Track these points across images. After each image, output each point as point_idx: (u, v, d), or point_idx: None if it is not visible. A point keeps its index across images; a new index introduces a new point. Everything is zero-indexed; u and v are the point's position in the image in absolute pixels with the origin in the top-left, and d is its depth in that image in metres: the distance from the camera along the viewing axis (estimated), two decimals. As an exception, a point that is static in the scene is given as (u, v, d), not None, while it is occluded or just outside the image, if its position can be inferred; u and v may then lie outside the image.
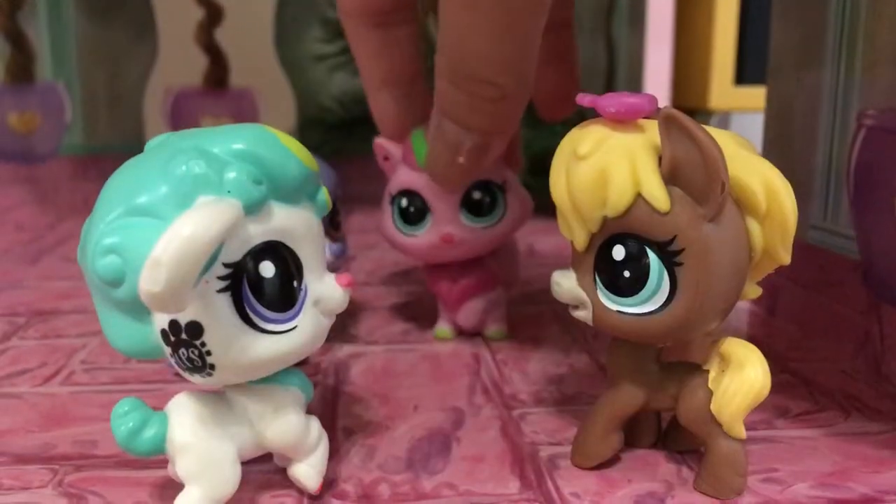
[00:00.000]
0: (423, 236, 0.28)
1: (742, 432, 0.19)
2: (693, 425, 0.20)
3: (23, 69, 0.81)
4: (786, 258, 0.19)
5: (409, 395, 0.26)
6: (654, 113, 0.18)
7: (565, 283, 0.20)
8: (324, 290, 0.19)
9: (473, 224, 0.28)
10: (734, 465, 0.19)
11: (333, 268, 0.23)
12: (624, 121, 0.18)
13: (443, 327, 0.31)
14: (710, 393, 0.19)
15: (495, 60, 0.22)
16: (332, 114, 0.61)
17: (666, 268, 0.18)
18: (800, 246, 0.21)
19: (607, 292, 0.19)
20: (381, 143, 0.29)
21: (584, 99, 0.19)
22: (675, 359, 0.21)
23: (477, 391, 0.26)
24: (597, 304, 0.19)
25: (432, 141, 0.26)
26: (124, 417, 0.18)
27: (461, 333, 0.31)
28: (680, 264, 0.18)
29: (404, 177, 0.29)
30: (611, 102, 0.18)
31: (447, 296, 0.30)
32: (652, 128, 0.18)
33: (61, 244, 0.48)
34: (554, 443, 0.22)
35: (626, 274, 0.18)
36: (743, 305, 0.35)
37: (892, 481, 0.20)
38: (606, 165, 0.18)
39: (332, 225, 0.29)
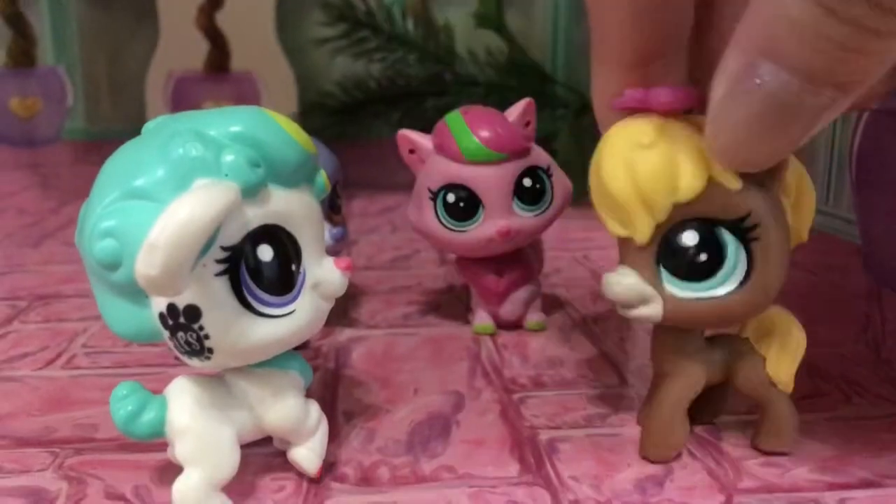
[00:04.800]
0: (476, 231, 0.27)
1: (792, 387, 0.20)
2: (753, 391, 0.21)
3: (24, 54, 0.81)
4: (805, 236, 0.20)
5: (409, 379, 0.26)
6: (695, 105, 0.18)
7: (627, 281, 0.19)
8: (322, 273, 0.18)
9: (526, 213, 0.28)
10: (793, 420, 0.21)
11: (334, 252, 0.23)
12: (671, 112, 0.18)
13: (484, 322, 0.30)
14: (763, 359, 0.20)
15: None
16: (334, 98, 0.61)
17: (742, 245, 0.18)
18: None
19: (678, 281, 0.19)
20: (407, 134, 0.28)
21: (634, 94, 0.19)
22: (711, 333, 0.21)
23: (477, 375, 0.26)
24: (667, 298, 0.19)
25: (730, 96, 0.17)
26: (123, 401, 0.18)
27: (500, 326, 0.30)
28: (756, 239, 0.18)
29: (447, 169, 0.27)
30: (664, 93, 0.18)
31: (493, 289, 0.29)
32: (691, 118, 0.18)
33: (63, 228, 0.48)
34: (553, 426, 0.22)
35: (702, 257, 0.18)
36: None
37: (892, 465, 0.20)
38: (676, 152, 0.18)
39: (333, 209, 0.28)
